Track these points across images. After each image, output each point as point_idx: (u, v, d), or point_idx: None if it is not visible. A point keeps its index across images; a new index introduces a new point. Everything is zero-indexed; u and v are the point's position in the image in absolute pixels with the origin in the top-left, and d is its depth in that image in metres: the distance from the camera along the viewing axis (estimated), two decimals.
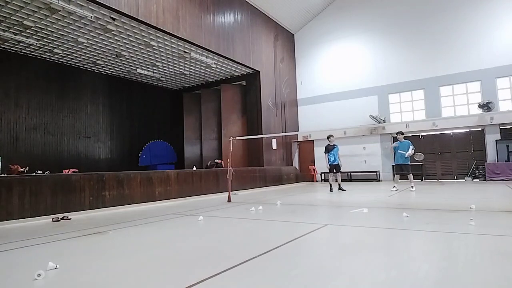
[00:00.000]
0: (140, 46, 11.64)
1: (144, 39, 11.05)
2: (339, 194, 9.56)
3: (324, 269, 2.65)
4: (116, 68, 14.01)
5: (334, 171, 10.43)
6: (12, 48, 11.30)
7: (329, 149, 10.43)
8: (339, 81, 16.60)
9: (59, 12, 9.05)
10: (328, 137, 10.50)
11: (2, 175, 7.10)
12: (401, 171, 9.87)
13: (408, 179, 9.83)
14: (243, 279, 2.49)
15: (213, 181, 10.38)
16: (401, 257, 2.98)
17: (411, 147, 9.59)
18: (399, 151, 9.75)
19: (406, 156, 9.55)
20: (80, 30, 10.16)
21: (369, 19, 16.09)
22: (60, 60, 12.63)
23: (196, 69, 14.45)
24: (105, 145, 14.76)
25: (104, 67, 13.74)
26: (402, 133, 9.99)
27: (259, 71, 14.93)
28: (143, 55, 12.55)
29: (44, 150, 12.46)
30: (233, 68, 14.58)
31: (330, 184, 10.52)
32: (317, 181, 16.48)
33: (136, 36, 10.82)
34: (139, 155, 16.11)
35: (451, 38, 14.12)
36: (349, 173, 15.49)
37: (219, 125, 15.78)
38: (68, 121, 13.35)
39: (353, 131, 15.59)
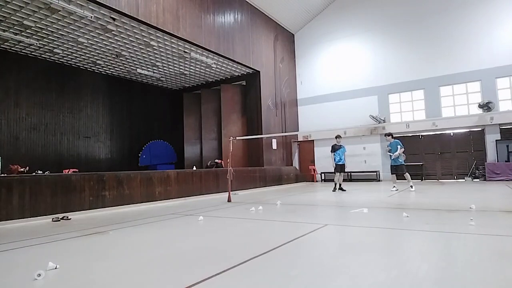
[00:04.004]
0: (140, 46, 11.64)
1: (144, 39, 11.05)
2: (339, 194, 9.57)
3: (324, 269, 2.65)
4: (116, 68, 14.01)
5: (339, 170, 10.44)
6: (12, 48, 11.30)
7: (335, 149, 10.48)
8: (339, 81, 16.60)
9: (59, 12, 9.05)
10: (336, 137, 10.55)
11: (2, 175, 7.10)
12: (396, 171, 9.91)
13: (405, 179, 9.82)
14: (243, 279, 2.49)
15: (213, 181, 10.38)
16: (401, 257, 2.98)
17: (399, 146, 9.63)
18: (388, 152, 9.85)
19: (392, 157, 9.62)
20: (80, 30, 10.16)
21: (369, 19, 16.09)
22: (60, 60, 12.63)
23: (196, 69, 14.45)
24: (105, 145, 14.76)
25: (104, 67, 13.74)
26: (389, 134, 10.07)
27: (259, 71, 14.92)
28: (143, 55, 12.55)
29: (44, 150, 12.46)
30: (233, 68, 14.58)
31: (335, 184, 10.53)
32: (317, 181, 16.48)
33: (136, 36, 10.82)
34: (139, 155, 16.11)
35: (451, 38, 14.12)
36: (349, 173, 15.48)
37: (219, 125, 15.78)
38: (68, 121, 13.35)
39: (353, 131, 15.60)
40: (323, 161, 16.15)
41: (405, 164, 9.97)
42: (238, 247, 3.51)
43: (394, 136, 10.34)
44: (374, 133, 15.46)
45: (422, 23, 14.75)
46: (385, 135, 10.28)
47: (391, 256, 3.03)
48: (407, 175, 9.67)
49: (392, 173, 10.15)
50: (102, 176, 7.25)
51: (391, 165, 10.01)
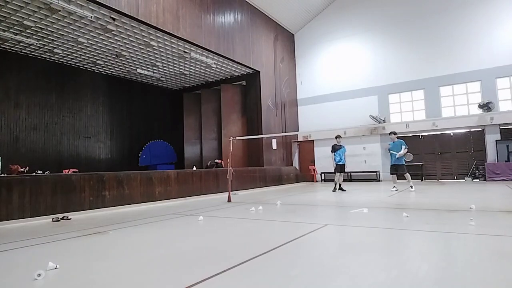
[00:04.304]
0: (140, 46, 11.64)
1: (144, 39, 11.05)
2: (339, 194, 9.57)
3: (324, 269, 2.65)
4: (116, 68, 14.01)
5: (339, 170, 10.44)
6: (12, 48, 11.30)
7: (335, 149, 10.48)
8: (339, 81, 16.61)
9: (59, 12, 9.05)
10: (336, 137, 10.54)
11: (2, 175, 7.10)
12: (396, 171, 9.88)
13: (406, 179, 9.82)
14: (243, 279, 2.49)
15: (213, 181, 10.38)
16: (401, 257, 2.98)
17: (403, 146, 9.60)
18: (391, 151, 9.78)
19: (397, 156, 9.57)
20: (80, 30, 10.16)
21: (369, 19, 16.09)
22: (60, 60, 12.63)
23: (196, 69, 14.45)
24: (105, 145, 14.76)
25: (104, 67, 13.74)
26: (395, 133, 10.03)
27: (259, 71, 14.92)
28: (143, 55, 12.55)
29: (44, 150, 12.46)
30: (233, 68, 14.58)
31: (335, 184, 10.54)
32: (317, 181, 16.48)
33: (136, 36, 10.82)
34: (139, 155, 16.11)
35: (451, 38, 14.12)
36: (349, 173, 15.48)
37: (219, 125, 15.78)
38: (68, 121, 13.35)
39: (353, 131, 15.60)
40: (323, 161, 16.15)
41: (406, 164, 9.95)
42: (238, 247, 3.51)
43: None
44: (374, 133, 15.46)
45: (422, 23, 14.75)
46: (390, 133, 10.21)
47: (391, 256, 3.03)
48: (407, 175, 9.66)
49: (392, 173, 10.13)
50: (102, 176, 7.25)
51: (391, 165, 9.97)
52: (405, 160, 10.01)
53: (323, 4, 17.10)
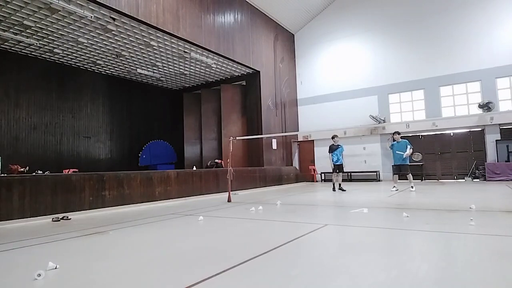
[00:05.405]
0: (140, 46, 11.64)
1: (144, 39, 11.05)
2: (339, 194, 9.56)
3: (324, 269, 2.65)
4: (116, 68, 14.01)
5: (337, 171, 10.42)
6: (12, 48, 11.30)
7: (333, 149, 10.43)
8: (339, 81, 16.61)
9: (59, 12, 9.05)
10: (332, 137, 10.50)
11: (2, 175, 7.09)
12: (400, 171, 9.84)
13: (407, 179, 9.82)
14: (243, 279, 2.49)
15: (213, 181, 10.38)
16: (401, 257, 2.98)
17: (408, 146, 9.55)
18: (396, 151, 9.71)
19: (404, 156, 9.52)
20: (80, 30, 10.16)
21: (369, 19, 16.09)
22: (60, 60, 12.63)
23: (196, 69, 14.45)
24: (105, 145, 14.76)
25: (104, 67, 13.74)
26: (399, 133, 9.96)
27: (259, 71, 14.92)
28: (143, 55, 12.55)
29: (44, 150, 12.46)
30: (233, 68, 14.58)
31: (333, 184, 10.53)
32: (317, 181, 16.48)
33: (136, 36, 10.82)
34: (139, 155, 16.11)
35: (451, 38, 14.12)
36: (349, 173, 15.48)
37: (219, 125, 15.78)
38: (68, 121, 13.35)
39: (353, 131, 15.60)
40: (323, 161, 16.12)
41: (409, 164, 9.90)
42: (238, 247, 3.51)
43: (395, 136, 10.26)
44: (374, 133, 15.46)
45: (422, 23, 14.75)
46: (393, 133, 10.12)
47: (391, 256, 3.03)
48: (409, 175, 9.65)
49: (394, 173, 10.10)
50: (102, 176, 7.25)
51: (395, 165, 9.89)
52: (414, 160, 9.95)
53: (323, 4, 17.10)
